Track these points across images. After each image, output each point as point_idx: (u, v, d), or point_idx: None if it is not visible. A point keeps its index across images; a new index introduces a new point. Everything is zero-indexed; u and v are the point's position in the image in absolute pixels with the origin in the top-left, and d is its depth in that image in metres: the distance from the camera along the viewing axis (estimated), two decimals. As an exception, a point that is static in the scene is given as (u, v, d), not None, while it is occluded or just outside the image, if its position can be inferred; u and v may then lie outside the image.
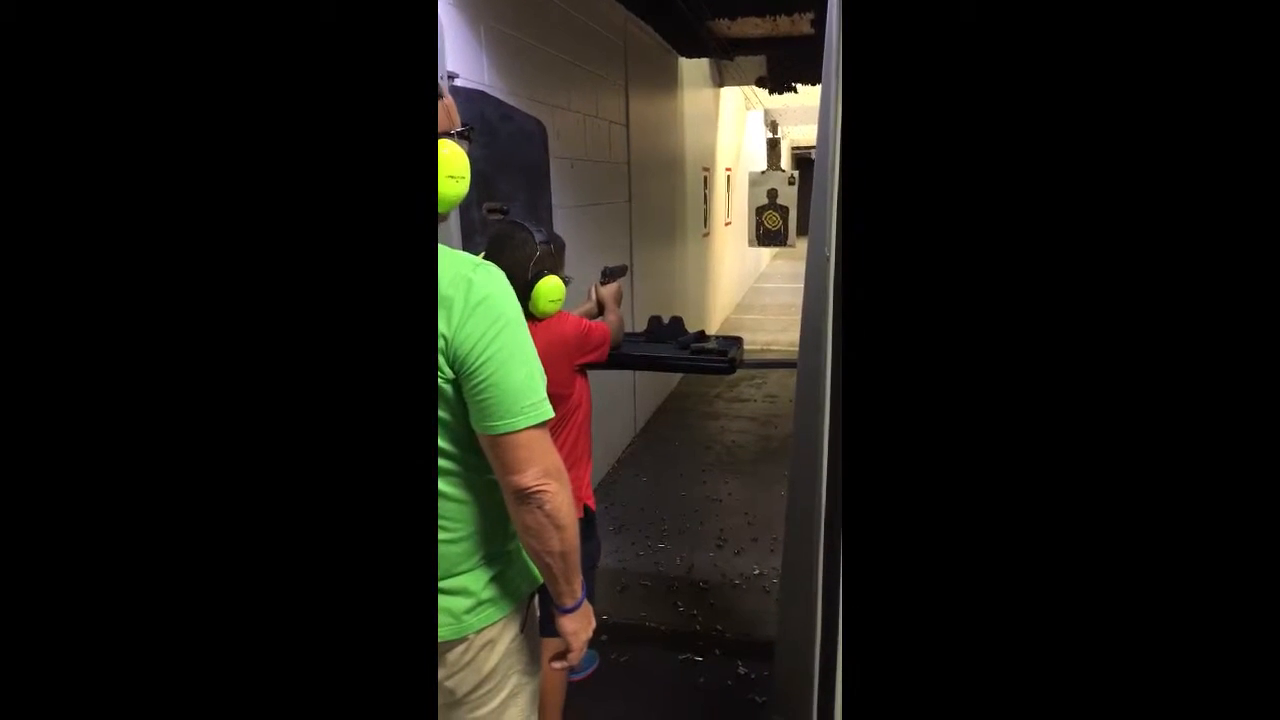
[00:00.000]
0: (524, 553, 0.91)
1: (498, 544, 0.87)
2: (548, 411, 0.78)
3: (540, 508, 0.78)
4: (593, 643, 1.94)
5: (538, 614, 1.00)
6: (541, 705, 1.46)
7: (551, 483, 0.78)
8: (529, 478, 0.77)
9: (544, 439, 0.78)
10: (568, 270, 1.45)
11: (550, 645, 1.47)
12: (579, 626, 0.90)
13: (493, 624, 0.87)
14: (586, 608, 0.91)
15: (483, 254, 1.37)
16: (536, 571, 0.93)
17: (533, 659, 0.96)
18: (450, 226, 1.40)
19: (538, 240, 1.31)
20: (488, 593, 0.86)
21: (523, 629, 0.92)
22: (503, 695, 0.91)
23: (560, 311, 1.37)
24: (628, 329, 1.77)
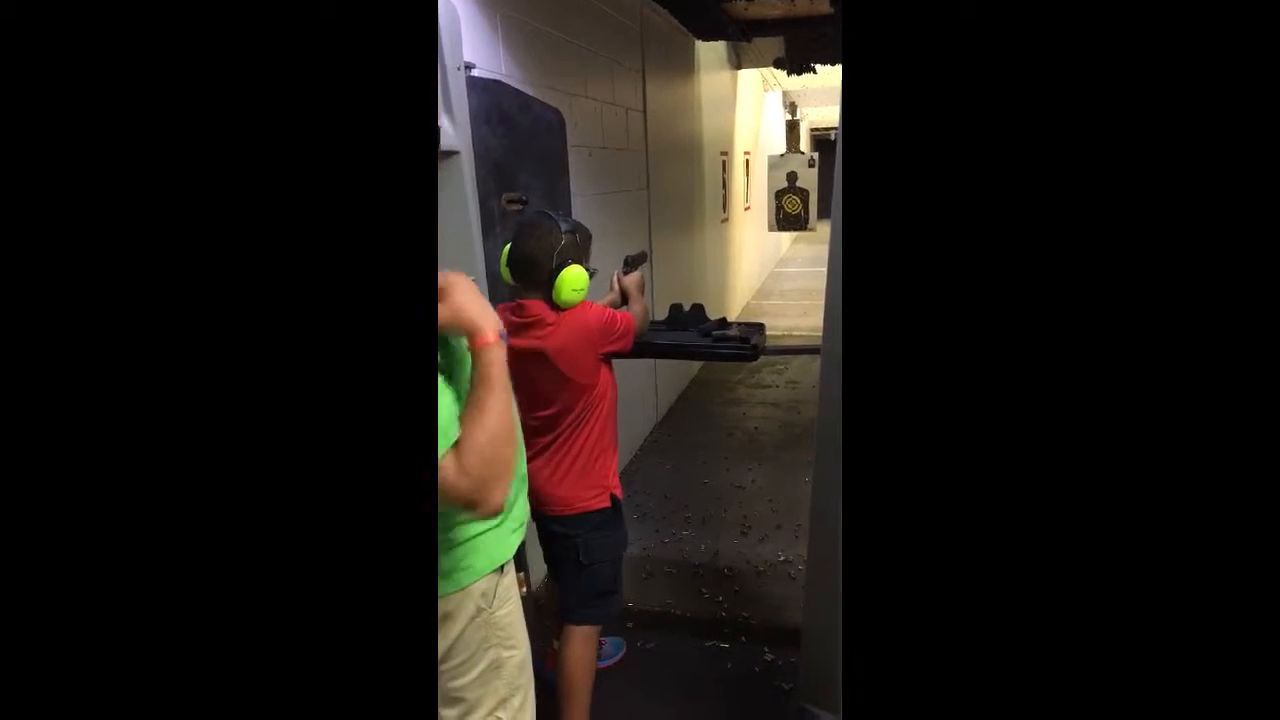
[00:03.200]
0: (488, 538, 0.96)
1: (443, 531, 0.91)
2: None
3: (455, 479, 0.77)
4: (619, 630, 1.96)
5: (518, 590, 1.04)
6: (569, 692, 1.48)
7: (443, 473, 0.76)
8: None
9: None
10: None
11: (581, 634, 1.48)
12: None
13: (445, 596, 0.92)
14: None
15: (507, 245, 1.37)
16: (500, 553, 0.98)
17: (512, 634, 1.01)
18: (470, 218, 1.40)
19: (563, 229, 1.31)
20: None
21: (491, 605, 0.97)
22: (481, 667, 0.97)
23: (584, 301, 1.37)
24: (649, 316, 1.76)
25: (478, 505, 0.78)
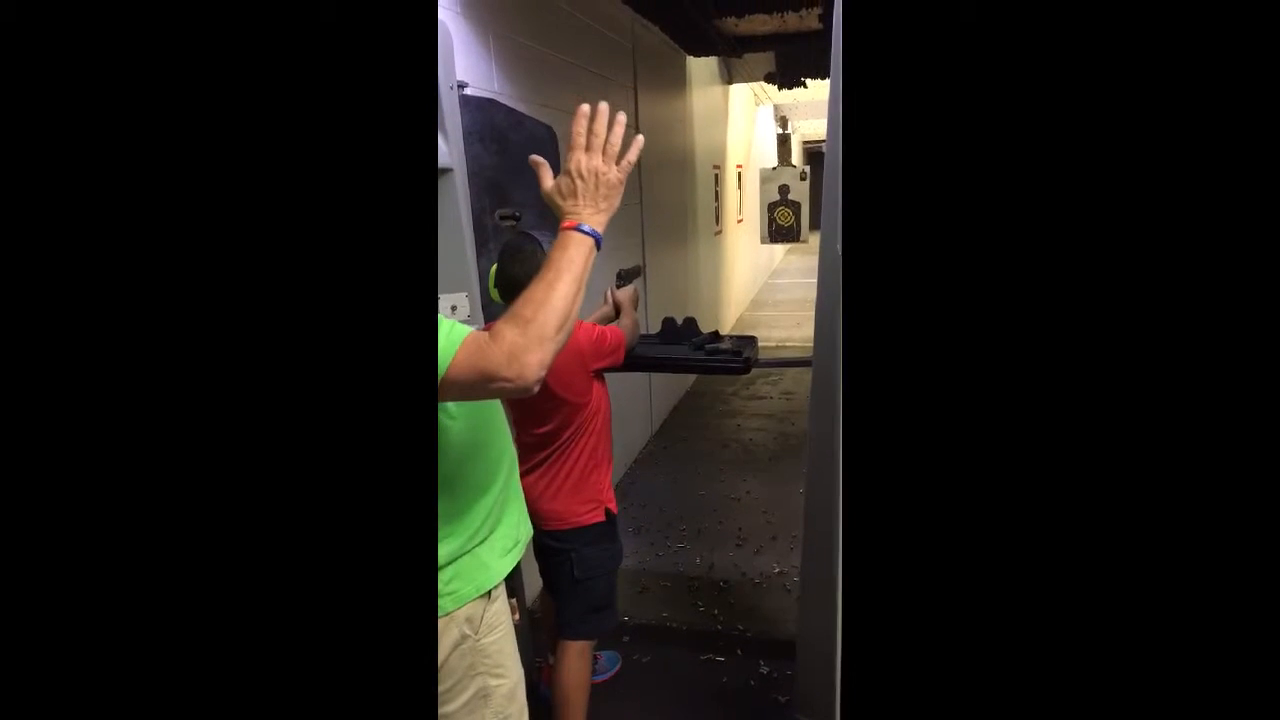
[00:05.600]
0: (471, 562, 0.94)
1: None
2: (458, 337, 0.77)
3: (507, 364, 0.74)
4: (614, 644, 1.95)
5: (511, 617, 1.03)
6: (564, 707, 1.48)
7: (498, 369, 0.75)
8: (487, 374, 0.74)
9: (465, 359, 0.75)
10: None
11: (575, 648, 1.48)
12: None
13: None
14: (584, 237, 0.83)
15: (495, 266, 1.38)
16: (485, 579, 0.96)
17: (501, 662, 0.98)
18: (464, 234, 1.41)
19: (547, 250, 1.32)
20: None
21: (477, 633, 0.95)
22: (467, 695, 0.95)
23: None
24: (641, 330, 1.77)
25: (507, 374, 0.74)
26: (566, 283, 0.79)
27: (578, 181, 0.84)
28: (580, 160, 0.84)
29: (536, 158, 0.89)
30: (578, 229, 0.82)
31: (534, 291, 0.78)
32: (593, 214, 0.84)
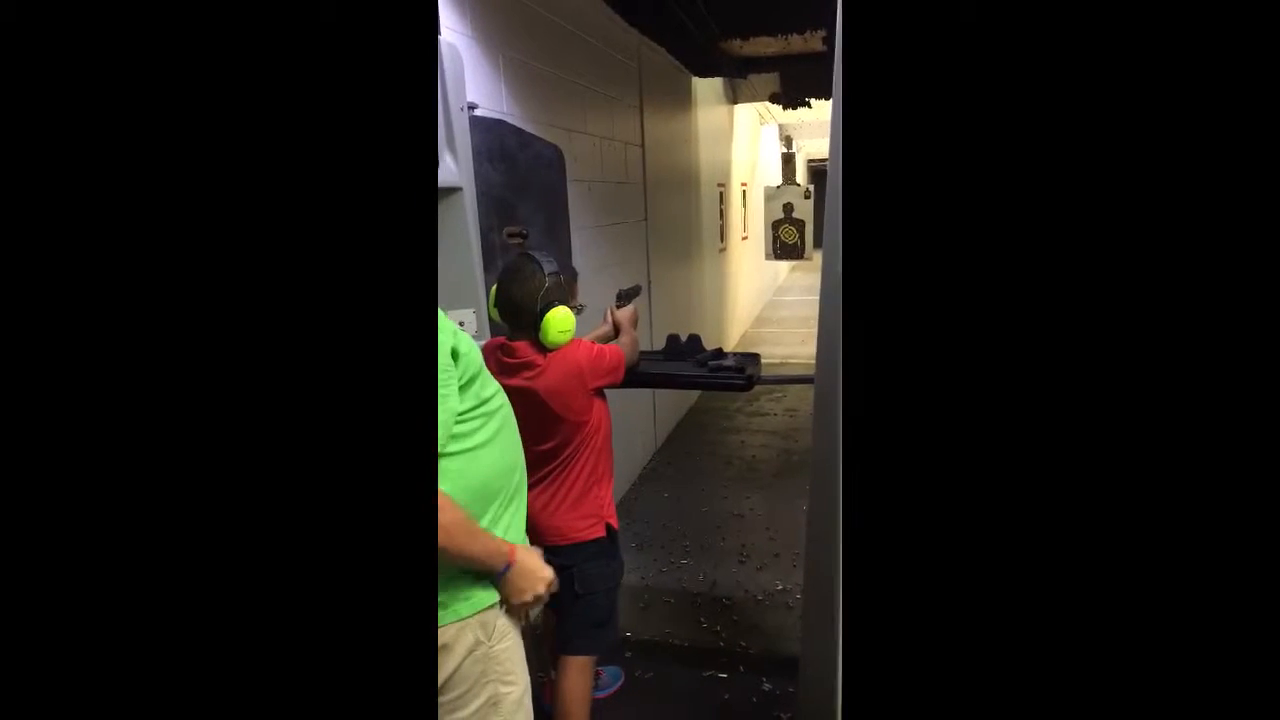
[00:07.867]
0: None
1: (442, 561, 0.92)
2: None
3: None
4: (617, 660, 1.95)
5: (518, 624, 1.04)
6: (565, 723, 1.47)
7: None
8: None
9: None
10: (585, 291, 1.47)
11: (576, 664, 1.48)
12: (516, 586, 0.97)
13: (442, 627, 0.92)
14: (521, 566, 0.98)
15: (495, 287, 1.40)
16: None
17: (511, 669, 1.00)
18: (471, 251, 1.43)
19: (546, 272, 1.33)
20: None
21: (490, 639, 0.97)
22: (478, 702, 0.96)
23: (573, 339, 1.39)
24: (646, 346, 1.79)
25: None
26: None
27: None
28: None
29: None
30: None
31: None
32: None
